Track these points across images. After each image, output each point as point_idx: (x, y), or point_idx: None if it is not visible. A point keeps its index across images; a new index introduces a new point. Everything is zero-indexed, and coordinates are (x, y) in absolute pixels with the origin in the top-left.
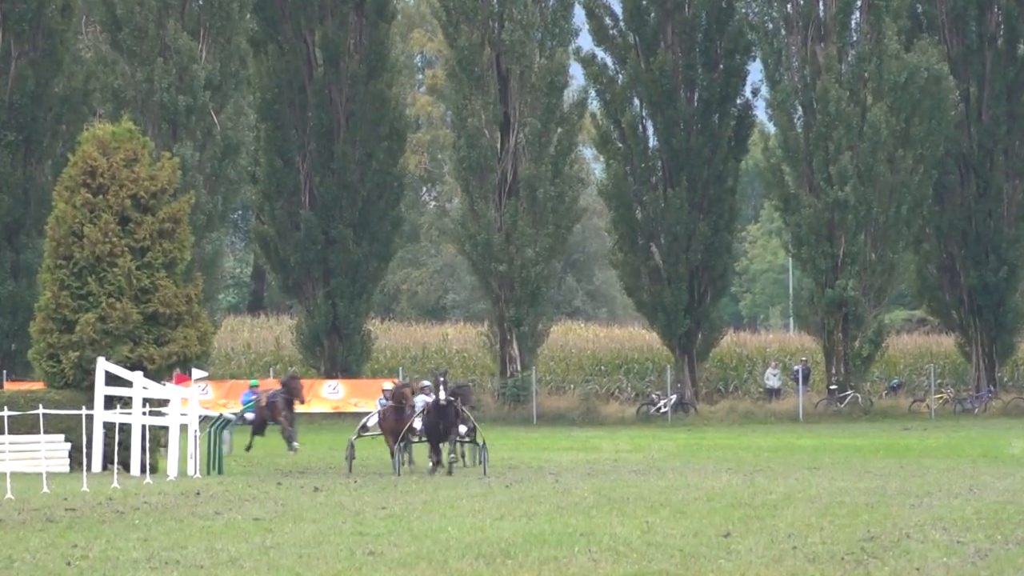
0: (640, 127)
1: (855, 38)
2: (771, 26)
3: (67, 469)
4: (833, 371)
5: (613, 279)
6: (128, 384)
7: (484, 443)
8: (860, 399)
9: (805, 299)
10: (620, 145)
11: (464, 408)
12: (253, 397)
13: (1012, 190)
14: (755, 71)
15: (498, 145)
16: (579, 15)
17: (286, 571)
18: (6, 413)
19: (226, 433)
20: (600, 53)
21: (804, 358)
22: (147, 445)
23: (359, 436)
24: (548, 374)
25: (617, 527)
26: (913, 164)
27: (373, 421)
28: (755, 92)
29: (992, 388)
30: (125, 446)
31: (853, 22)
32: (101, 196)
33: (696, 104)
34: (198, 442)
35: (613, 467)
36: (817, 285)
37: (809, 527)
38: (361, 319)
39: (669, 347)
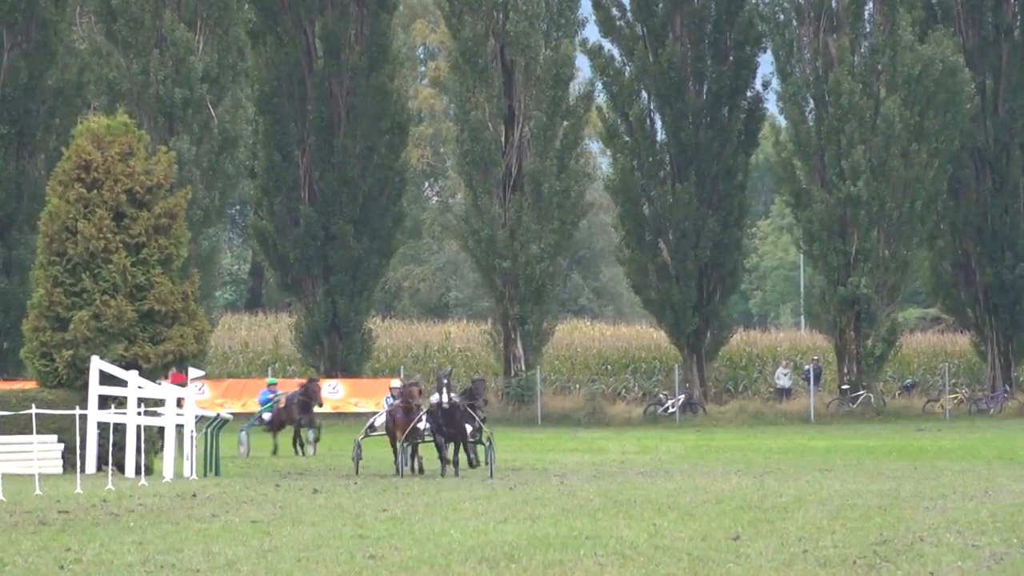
0: (648, 120)
1: (868, 29)
2: (782, 17)
3: (60, 470)
4: (845, 371)
5: (620, 276)
6: (123, 383)
7: (491, 442)
8: (873, 399)
9: (817, 297)
10: (627, 139)
11: (476, 404)
12: (271, 396)
13: None
14: (766, 63)
15: (502, 139)
16: (585, 6)
17: (284, 575)
18: None
19: (243, 435)
20: (607, 44)
21: (815, 357)
22: (142, 446)
23: (366, 436)
24: (553, 374)
25: (624, 530)
26: (927, 158)
27: (380, 421)
28: (766, 85)
29: (1008, 388)
30: (120, 447)
31: (866, 13)
32: (95, 191)
33: (705, 97)
34: (195, 443)
35: (620, 469)
36: (829, 282)
37: (820, 530)
38: (362, 317)
39: (677, 346)
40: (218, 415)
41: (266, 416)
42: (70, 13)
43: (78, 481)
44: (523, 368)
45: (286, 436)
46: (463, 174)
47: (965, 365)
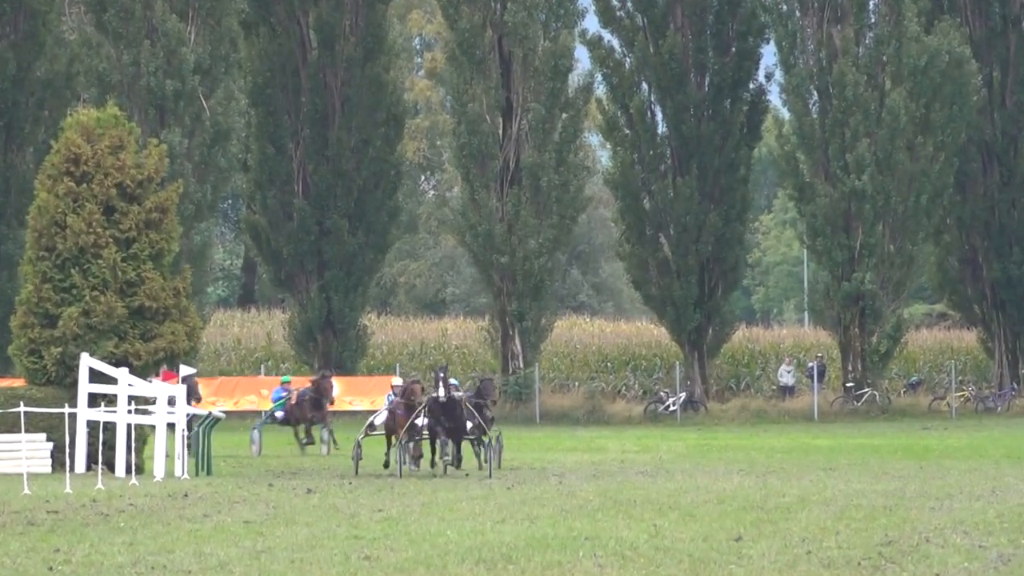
0: (648, 113)
1: (873, 20)
2: (785, 7)
3: (49, 470)
4: (850, 368)
5: (620, 272)
6: (113, 381)
7: (499, 440)
8: (878, 397)
9: (820, 293)
10: (627, 132)
11: (485, 403)
12: (284, 394)
13: None
14: (769, 54)
15: (500, 131)
16: None
17: None
18: None
19: (255, 433)
20: (607, 35)
21: (819, 354)
22: (132, 445)
23: (366, 435)
24: (552, 371)
25: (624, 531)
26: (933, 152)
27: (381, 419)
28: (769, 76)
29: (1016, 386)
30: (110, 446)
31: (871, 3)
32: (85, 185)
33: (707, 89)
34: (186, 442)
35: (619, 468)
36: (833, 278)
37: (824, 531)
38: (356, 313)
39: (678, 343)
40: (210, 413)
41: (279, 414)
42: (59, 3)
43: (67, 480)
44: (521, 365)
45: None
46: (460, 167)
47: (972, 362)
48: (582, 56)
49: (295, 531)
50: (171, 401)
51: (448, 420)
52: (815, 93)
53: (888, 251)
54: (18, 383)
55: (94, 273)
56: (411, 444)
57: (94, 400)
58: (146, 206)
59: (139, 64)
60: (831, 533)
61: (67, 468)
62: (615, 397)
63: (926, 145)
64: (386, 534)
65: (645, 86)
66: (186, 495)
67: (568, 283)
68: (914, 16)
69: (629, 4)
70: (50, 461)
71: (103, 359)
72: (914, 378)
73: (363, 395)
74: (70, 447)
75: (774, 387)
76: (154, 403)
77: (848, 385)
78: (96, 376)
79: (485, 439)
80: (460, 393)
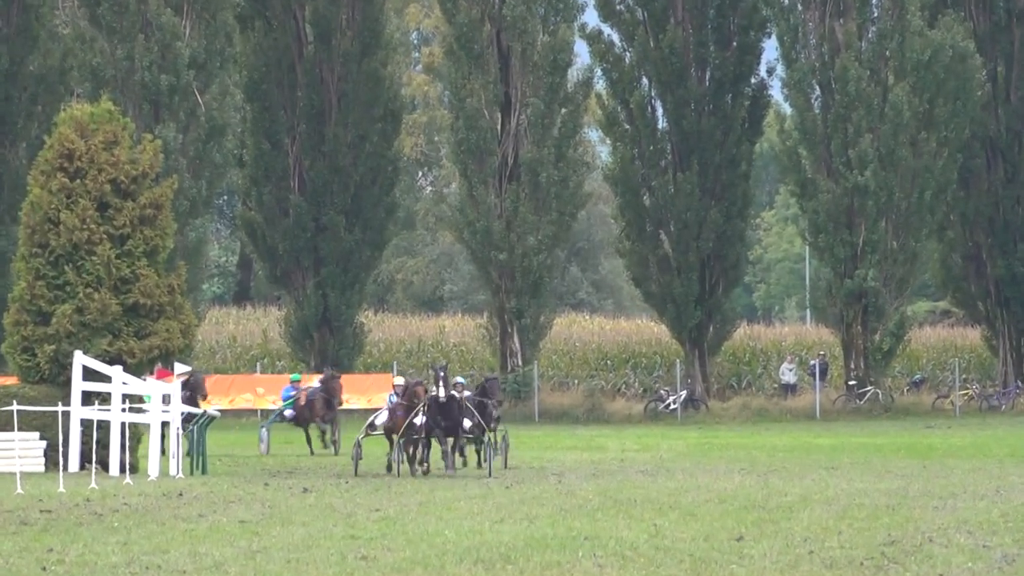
0: (648, 108)
1: (876, 14)
2: (787, 1)
3: (42, 469)
4: (852, 366)
5: (620, 269)
6: (107, 379)
7: (505, 439)
8: (880, 395)
9: (823, 290)
10: (627, 127)
11: (490, 402)
12: (293, 393)
13: None
14: (770, 49)
15: (498, 127)
16: None
17: None
18: None
19: (264, 432)
20: (607, 29)
21: (821, 352)
22: (126, 443)
23: (366, 435)
24: (551, 369)
25: (624, 531)
26: (937, 147)
27: (381, 419)
28: (770, 71)
29: (1020, 384)
30: (103, 444)
31: None
32: (79, 181)
33: (708, 84)
34: (180, 441)
35: (619, 467)
36: (835, 275)
37: (826, 531)
38: (353, 311)
39: (679, 340)
40: (205, 412)
41: (288, 413)
42: None
43: (61, 480)
44: (520, 363)
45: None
46: (458, 163)
47: (976, 360)
48: (581, 50)
49: (291, 531)
50: (166, 399)
51: (444, 419)
52: (817, 88)
53: (891, 248)
54: (11, 381)
55: (88, 270)
56: (419, 449)
57: (88, 398)
58: (140, 202)
59: (133, 59)
60: (833, 533)
61: (60, 467)
62: (615, 395)
63: (929, 141)
64: (383, 534)
65: (645, 81)
66: (181, 494)
67: (567, 280)
68: (917, 10)
69: None
70: (43, 460)
71: (97, 357)
72: (917, 376)
73: (360, 393)
74: (63, 446)
75: (776, 385)
76: (168, 401)
77: (850, 383)
78: (90, 374)
79: (485, 438)
80: (468, 392)
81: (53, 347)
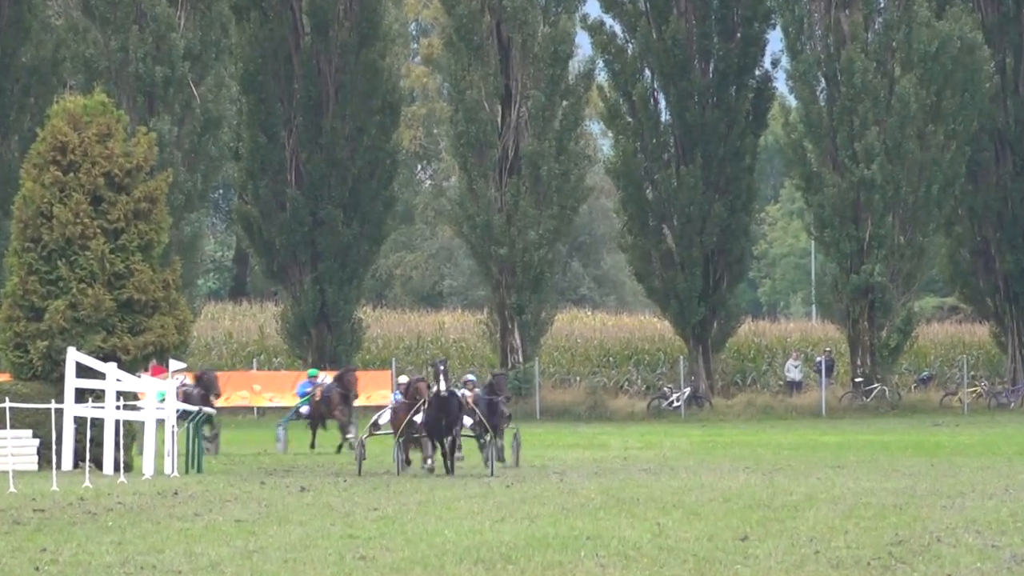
0: (651, 100)
1: (882, 4)
2: None
3: (35, 467)
4: (858, 363)
5: (622, 264)
6: (100, 376)
7: (517, 438)
8: (887, 392)
9: (828, 285)
10: (630, 120)
11: (499, 399)
12: (309, 389)
13: None
14: (775, 40)
15: (498, 119)
16: None
17: None
18: None
19: (280, 430)
20: (608, 20)
21: (827, 349)
22: (121, 441)
23: (370, 435)
24: (552, 366)
25: (626, 530)
26: (945, 140)
27: (386, 418)
28: (775, 63)
29: None
30: (97, 442)
31: None
32: (72, 174)
33: (711, 76)
34: (176, 439)
35: (622, 465)
36: (841, 270)
37: (832, 530)
38: (351, 306)
39: (682, 337)
40: (200, 409)
41: (304, 410)
42: None
43: (54, 478)
44: (521, 360)
45: (322, 430)
46: (457, 156)
47: (984, 357)
48: (583, 42)
49: (288, 530)
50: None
51: (445, 416)
52: (823, 80)
53: (898, 242)
54: (3, 378)
55: (81, 265)
56: (426, 447)
57: (81, 396)
58: (135, 196)
59: (127, 50)
60: (840, 532)
61: (54, 465)
62: (617, 392)
63: (937, 133)
64: (382, 533)
65: (648, 73)
66: (176, 493)
67: (569, 275)
68: (924, 1)
69: None
70: (36, 458)
71: (90, 353)
72: (925, 373)
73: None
74: (57, 444)
75: (781, 382)
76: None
77: (857, 380)
78: (83, 371)
79: (487, 437)
80: (479, 390)
81: (46, 343)
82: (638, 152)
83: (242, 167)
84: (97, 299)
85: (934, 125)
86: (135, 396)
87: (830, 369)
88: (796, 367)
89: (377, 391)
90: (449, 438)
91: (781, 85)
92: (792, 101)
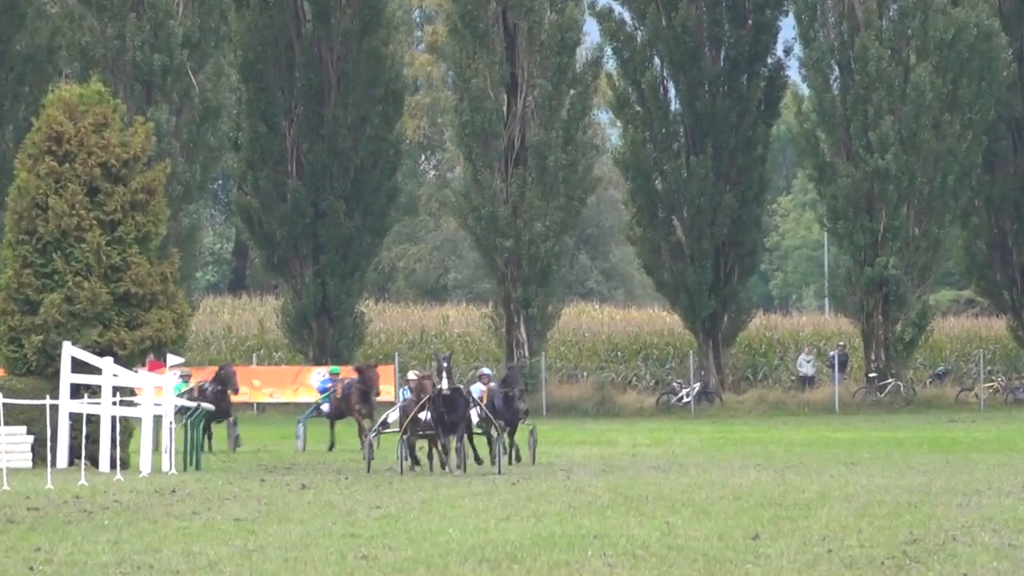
0: (661, 89)
1: None
2: None
3: (30, 464)
4: (872, 357)
5: (630, 256)
6: (97, 371)
7: (533, 434)
8: (902, 388)
9: (842, 278)
10: (639, 109)
11: (514, 393)
12: (330, 386)
13: None
14: (787, 27)
15: (504, 109)
16: None
17: None
18: None
19: (300, 427)
20: (617, 7)
21: (841, 343)
22: (117, 438)
23: (379, 433)
24: (559, 360)
25: (635, 529)
26: (961, 130)
27: (394, 416)
28: (787, 51)
29: None
30: (93, 439)
31: None
32: (68, 164)
33: (722, 64)
34: (174, 435)
35: (630, 463)
36: (855, 263)
37: (846, 529)
38: (353, 300)
39: (692, 331)
40: (199, 405)
41: (325, 408)
42: None
43: (49, 476)
44: (527, 355)
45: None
46: (462, 146)
47: (1001, 351)
48: (591, 29)
49: (288, 529)
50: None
51: (449, 413)
52: (836, 68)
53: (913, 234)
54: None
55: (77, 258)
56: (437, 443)
57: (77, 391)
58: (132, 187)
59: (124, 38)
60: (853, 531)
61: (48, 463)
62: (626, 388)
63: (953, 123)
64: (384, 532)
65: (657, 61)
66: (174, 491)
67: (576, 268)
68: None
69: None
70: (31, 455)
71: (86, 348)
72: (940, 368)
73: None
74: (52, 441)
75: (793, 377)
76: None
77: (871, 375)
78: (79, 366)
79: (494, 433)
80: (494, 384)
81: (41, 338)
82: (647, 142)
83: (242, 157)
84: (93, 292)
85: (950, 114)
86: (132, 392)
87: (843, 364)
88: (808, 362)
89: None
90: (454, 435)
91: (794, 73)
92: (805, 90)
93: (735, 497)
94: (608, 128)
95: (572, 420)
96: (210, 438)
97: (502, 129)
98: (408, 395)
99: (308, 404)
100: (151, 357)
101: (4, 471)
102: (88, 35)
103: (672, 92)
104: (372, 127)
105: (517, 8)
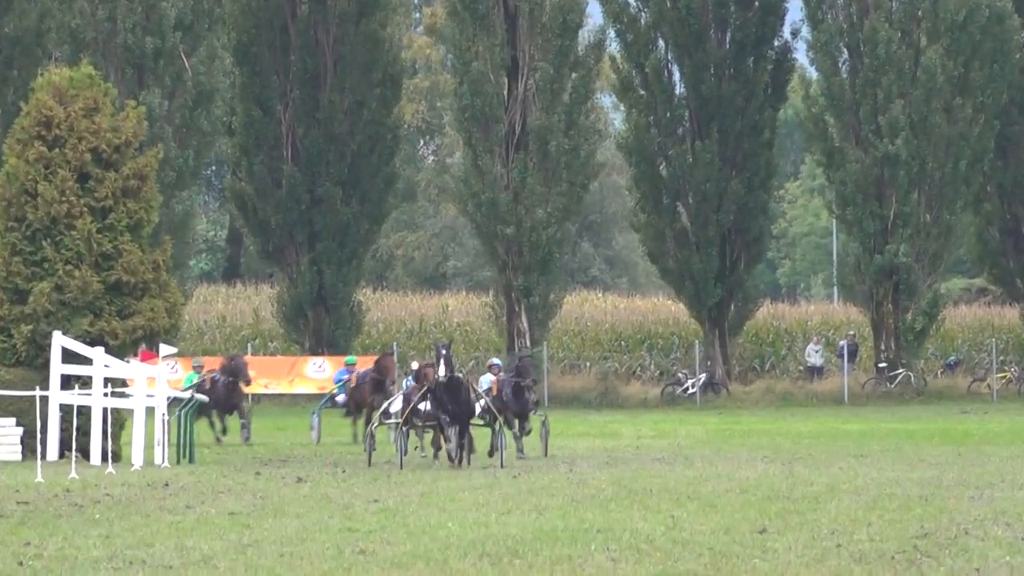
0: (665, 72)
1: None
2: None
3: (19, 457)
4: (882, 347)
5: (634, 243)
6: (88, 362)
7: (545, 425)
8: (913, 378)
9: (851, 266)
10: (642, 92)
11: (525, 383)
12: (346, 376)
13: None
14: (795, 9)
15: (505, 92)
16: None
17: (265, 571)
18: None
19: (314, 418)
20: None
21: (850, 332)
22: (108, 430)
23: (380, 423)
24: (561, 350)
25: (639, 522)
26: (973, 114)
27: (397, 406)
28: (795, 33)
29: None
30: (84, 431)
31: None
32: (57, 150)
33: (728, 46)
34: (167, 427)
35: (634, 455)
36: (864, 250)
37: (855, 522)
38: (350, 288)
39: (698, 320)
40: (193, 397)
41: (340, 398)
42: None
43: (39, 469)
44: (528, 344)
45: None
46: (462, 131)
47: (1014, 341)
48: (594, 11)
49: (284, 523)
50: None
51: (451, 402)
52: (845, 51)
53: (924, 221)
54: None
55: (67, 245)
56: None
57: (67, 382)
58: (123, 173)
59: (115, 20)
60: (862, 525)
61: (38, 455)
62: (630, 379)
63: (965, 107)
64: (382, 526)
65: (662, 43)
66: (167, 485)
67: (579, 256)
68: None
69: None
70: (20, 448)
71: (77, 338)
72: (952, 358)
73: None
74: (42, 433)
75: (801, 368)
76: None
77: (881, 365)
78: (69, 356)
79: (496, 425)
80: (503, 375)
81: (30, 327)
82: (651, 126)
83: (236, 143)
84: (84, 281)
85: (962, 98)
86: (124, 383)
87: (852, 354)
88: (817, 352)
89: None
90: (457, 427)
91: (801, 56)
92: (813, 73)
93: (742, 490)
94: (611, 112)
95: (575, 411)
96: (224, 431)
97: (503, 113)
98: (412, 383)
99: (302, 395)
100: (143, 347)
101: None
102: (78, 17)
103: (677, 75)
104: (369, 111)
105: None
